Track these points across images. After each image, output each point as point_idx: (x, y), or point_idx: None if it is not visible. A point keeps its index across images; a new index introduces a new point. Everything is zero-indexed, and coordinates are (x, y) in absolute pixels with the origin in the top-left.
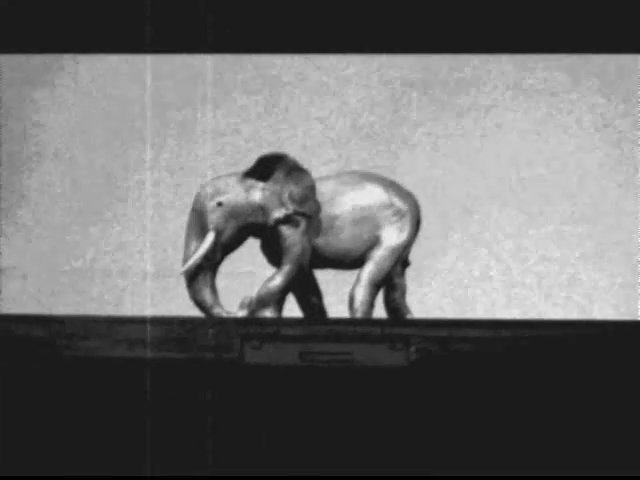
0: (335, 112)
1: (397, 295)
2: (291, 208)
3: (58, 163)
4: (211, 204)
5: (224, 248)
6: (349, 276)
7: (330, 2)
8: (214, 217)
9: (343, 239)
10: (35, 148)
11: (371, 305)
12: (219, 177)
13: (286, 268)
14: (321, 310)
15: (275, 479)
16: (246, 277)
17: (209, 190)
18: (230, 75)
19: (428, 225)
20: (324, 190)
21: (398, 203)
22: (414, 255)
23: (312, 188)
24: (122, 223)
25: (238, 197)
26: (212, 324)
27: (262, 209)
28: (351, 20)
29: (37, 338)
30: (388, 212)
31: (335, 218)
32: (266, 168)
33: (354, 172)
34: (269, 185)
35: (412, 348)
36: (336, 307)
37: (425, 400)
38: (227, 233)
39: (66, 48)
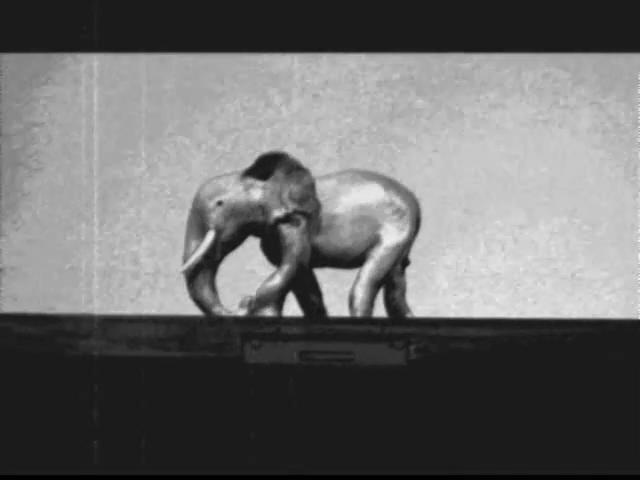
0: (335, 111)
1: (397, 294)
2: (291, 207)
3: (58, 162)
4: (211, 203)
5: (224, 247)
6: (349, 275)
7: (329, 1)
8: (214, 216)
9: (343, 238)
10: (35, 147)
11: (371, 304)
12: (219, 176)
13: (286, 267)
14: (321, 309)
15: (275, 479)
16: (246, 276)
17: (209, 189)
18: (229, 74)
19: (428, 224)
20: (324, 189)
21: (398, 202)
22: (414, 254)
23: (312, 187)
24: (122, 222)
25: (238, 196)
26: (212, 323)
27: (262, 208)
28: (350, 19)
29: (37, 337)
30: (388, 211)
31: (335, 217)
32: (266, 167)
33: (354, 171)
34: (269, 184)
35: (412, 347)
36: (336, 306)
37: (425, 399)
38: (227, 232)
39: (67, 47)
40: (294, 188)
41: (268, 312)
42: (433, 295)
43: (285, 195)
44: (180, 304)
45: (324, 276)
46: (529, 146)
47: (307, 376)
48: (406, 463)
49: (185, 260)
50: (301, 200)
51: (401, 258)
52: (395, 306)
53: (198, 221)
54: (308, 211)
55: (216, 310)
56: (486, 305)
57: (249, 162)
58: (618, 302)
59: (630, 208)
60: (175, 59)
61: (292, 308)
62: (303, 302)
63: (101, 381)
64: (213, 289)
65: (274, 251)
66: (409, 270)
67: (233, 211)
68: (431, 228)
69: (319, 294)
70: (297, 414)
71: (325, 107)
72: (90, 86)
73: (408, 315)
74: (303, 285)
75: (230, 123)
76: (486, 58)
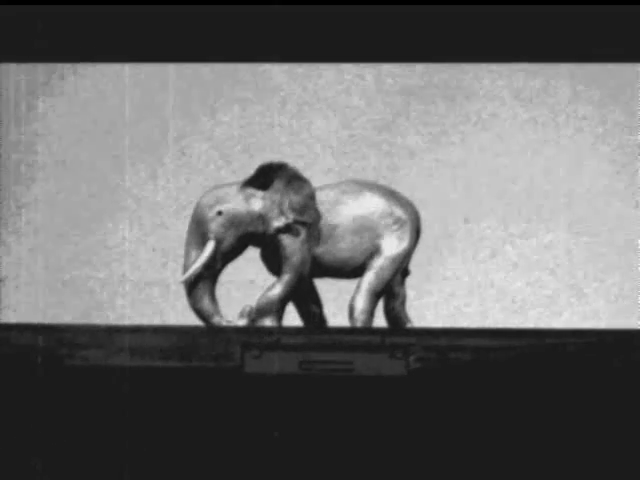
0: (335, 121)
1: (397, 304)
2: (291, 217)
3: (58, 172)
4: (211, 213)
5: (224, 257)
6: (349, 285)
7: (330, 11)
8: (214, 226)
9: (343, 248)
10: (35, 157)
11: (371, 314)
12: (219, 186)
13: (286, 277)
14: (321, 319)
15: None
16: (246, 286)
17: (209, 199)
18: (229, 84)
19: (428, 234)
20: (324, 199)
21: (398, 212)
22: (414, 264)
23: (312, 197)
24: (122, 232)
25: (238, 206)
26: (212, 333)
27: (262, 218)
28: (350, 29)
29: (38, 347)
30: (388, 221)
31: (335, 227)
32: (266, 177)
33: (354, 181)
34: (269, 194)
35: (412, 357)
36: (336, 316)
37: (425, 409)
38: (227, 242)
39: (67, 57)
40: (294, 198)
41: (268, 322)
42: (433, 305)
43: (285, 205)
44: (180, 314)
45: (324, 286)
46: (529, 157)
47: (307, 386)
48: (406, 473)
49: (185, 270)
50: (301, 210)
51: (401, 268)
52: (395, 316)
53: (198, 231)
54: (308, 221)
55: (216, 320)
56: (486, 315)
57: (249, 172)
58: (618, 312)
59: (630, 219)
60: (174, 69)
61: (292, 318)
62: (303, 312)
63: (102, 391)
64: (213, 299)
65: (274, 261)
66: (409, 280)
67: (233, 221)
68: (431, 238)
69: (319, 304)
70: (297, 424)
71: (325, 117)
72: (90, 96)
73: (408, 325)
74: (303, 295)
75: (230, 133)
76: (486, 68)
